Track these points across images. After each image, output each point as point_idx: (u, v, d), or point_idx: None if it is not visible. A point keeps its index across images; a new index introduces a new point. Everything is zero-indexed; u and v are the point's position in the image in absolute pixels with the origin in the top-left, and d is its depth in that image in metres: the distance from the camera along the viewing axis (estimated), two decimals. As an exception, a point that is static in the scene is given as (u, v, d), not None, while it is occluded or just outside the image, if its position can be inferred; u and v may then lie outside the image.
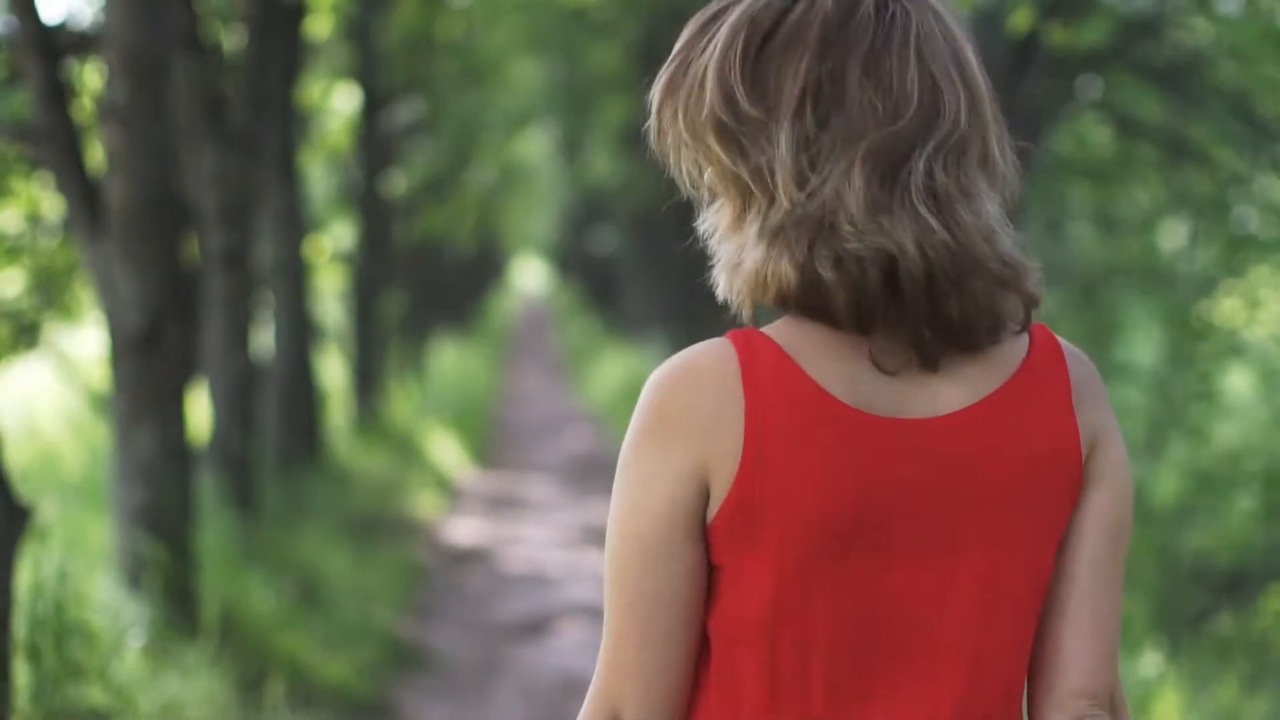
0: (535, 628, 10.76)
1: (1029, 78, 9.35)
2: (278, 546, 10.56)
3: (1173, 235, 12.57)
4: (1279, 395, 10.53)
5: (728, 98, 2.13)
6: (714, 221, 2.21)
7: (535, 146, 38.21)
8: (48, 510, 7.40)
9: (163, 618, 7.62)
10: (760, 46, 2.13)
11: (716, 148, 2.14)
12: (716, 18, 2.18)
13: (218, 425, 10.69)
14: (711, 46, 2.16)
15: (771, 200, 2.09)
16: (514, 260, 74.03)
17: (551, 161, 41.08)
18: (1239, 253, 10.32)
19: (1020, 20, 8.51)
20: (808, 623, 2.11)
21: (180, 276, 8.07)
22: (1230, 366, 10.84)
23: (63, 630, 6.23)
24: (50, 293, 11.69)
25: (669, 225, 25.26)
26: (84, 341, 14.23)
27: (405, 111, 20.46)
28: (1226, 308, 10.90)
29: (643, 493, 2.12)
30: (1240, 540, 9.89)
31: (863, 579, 2.11)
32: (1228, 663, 7.84)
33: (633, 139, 27.12)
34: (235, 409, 10.63)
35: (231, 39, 11.40)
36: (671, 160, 2.22)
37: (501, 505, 16.03)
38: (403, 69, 20.51)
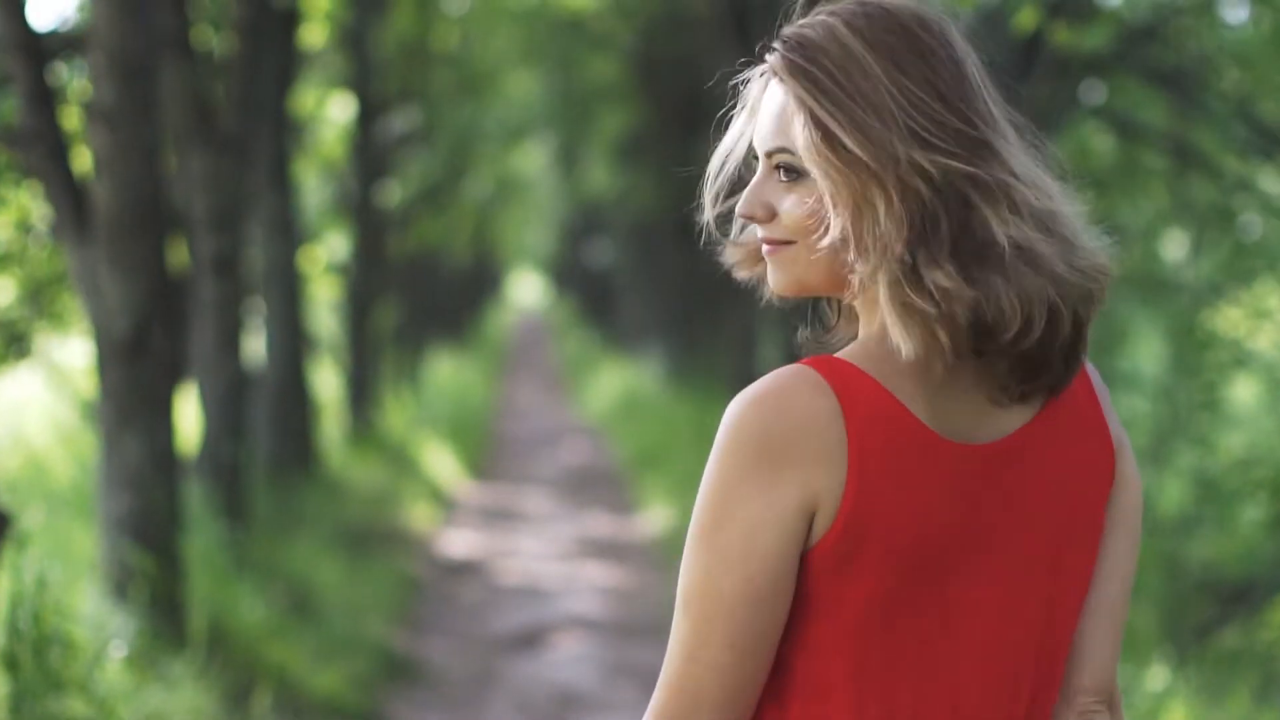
0: (530, 641, 10.62)
1: (1032, 82, 9.21)
2: (268, 557, 10.42)
3: (1175, 244, 12.44)
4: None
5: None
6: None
7: (532, 158, 38.10)
8: (33, 519, 7.27)
9: (149, 628, 7.48)
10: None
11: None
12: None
13: (208, 433, 10.54)
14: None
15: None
16: (511, 273, 74.03)
17: (548, 173, 40.98)
18: (1245, 261, 10.19)
19: (1025, 20, 8.38)
20: (895, 645, 2.17)
21: (168, 282, 7.92)
22: (1235, 376, 10.70)
23: (42, 640, 6.08)
24: (41, 302, 11.55)
25: (667, 238, 25.18)
26: (74, 350, 14.09)
27: (400, 121, 20.34)
28: (1231, 317, 10.77)
29: (752, 535, 2.13)
30: (1247, 550, 9.76)
31: (944, 599, 2.17)
32: (1237, 675, 7.70)
33: (630, 151, 27.06)
34: (226, 417, 10.48)
35: (223, 43, 11.27)
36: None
37: (497, 517, 15.89)
38: (398, 78, 20.41)
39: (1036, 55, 9.39)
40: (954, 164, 2.12)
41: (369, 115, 18.32)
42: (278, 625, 9.05)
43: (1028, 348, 2.11)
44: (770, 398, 2.14)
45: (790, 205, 2.22)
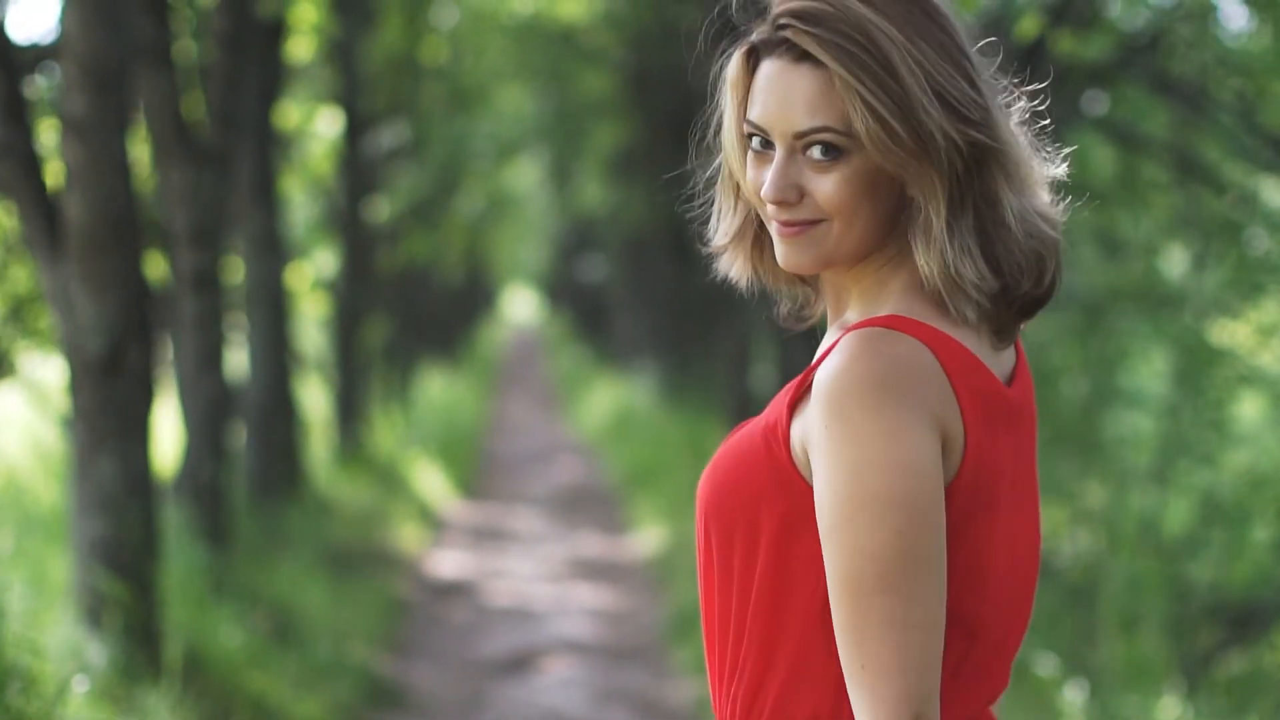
0: (520, 665, 10.40)
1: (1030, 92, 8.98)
2: (250, 580, 10.19)
3: (1178, 259, 12.24)
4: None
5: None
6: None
7: (525, 174, 37.98)
8: (3, 543, 7.05)
9: (122, 657, 7.24)
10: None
11: None
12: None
13: (189, 453, 10.30)
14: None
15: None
16: (504, 289, 74.02)
17: (541, 189, 40.86)
18: (1250, 276, 9.99)
19: (1027, 27, 8.18)
20: (976, 594, 2.25)
21: (143, 298, 7.68)
22: (1241, 393, 10.48)
23: (2, 675, 5.84)
24: (24, 319, 11.35)
25: (660, 253, 25.01)
26: (56, 368, 13.88)
27: (389, 136, 20.16)
28: (1237, 334, 10.56)
29: (927, 476, 2.16)
30: (1255, 573, 9.57)
31: (995, 533, 2.27)
32: (1249, 702, 7.50)
33: (622, 166, 26.89)
34: (207, 436, 10.23)
35: (205, 55, 11.04)
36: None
37: (487, 537, 15.68)
38: (386, 93, 20.23)
39: (1037, 65, 9.18)
40: (979, 136, 2.22)
41: (357, 130, 18.15)
42: (258, 652, 8.82)
43: (1040, 290, 2.28)
44: (878, 352, 2.17)
45: (831, 185, 2.25)
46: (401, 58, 20.68)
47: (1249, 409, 12.14)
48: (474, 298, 45.50)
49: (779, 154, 2.28)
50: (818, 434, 2.19)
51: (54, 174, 7.73)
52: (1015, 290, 2.25)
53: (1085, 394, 11.51)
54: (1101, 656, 7.82)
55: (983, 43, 2.37)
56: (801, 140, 2.26)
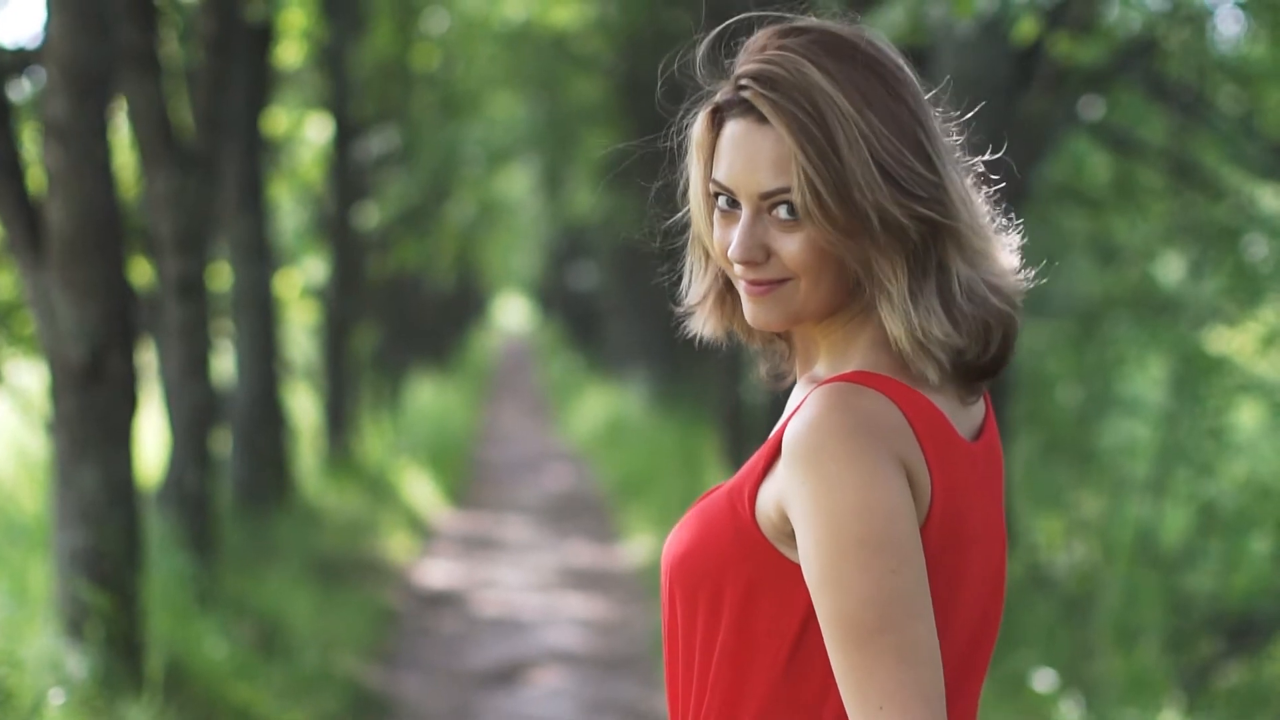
0: (509, 676, 10.28)
1: (1029, 96, 8.91)
2: (236, 590, 10.08)
3: (1174, 265, 12.14)
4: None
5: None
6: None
7: (517, 182, 37.88)
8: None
9: (104, 669, 7.12)
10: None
11: None
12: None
13: (173, 462, 10.19)
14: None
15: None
16: (496, 297, 73.96)
17: (533, 196, 40.77)
18: (1249, 283, 9.90)
19: (1025, 30, 8.08)
20: (941, 636, 2.26)
21: (126, 304, 7.56)
22: (1239, 402, 10.38)
23: (-25, 688, 5.73)
24: (9, 326, 11.26)
25: (651, 261, 24.83)
26: (41, 375, 13.77)
27: (379, 142, 20.06)
28: (1236, 342, 10.46)
29: (908, 519, 2.19)
30: (1254, 584, 9.47)
31: (965, 596, 2.31)
32: (1248, 715, 7.40)
33: (615, 173, 26.78)
34: (192, 445, 10.11)
35: (191, 59, 10.93)
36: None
37: (477, 546, 15.56)
38: (376, 99, 20.12)
39: (1034, 69, 9.10)
40: (926, 212, 2.24)
41: (347, 136, 18.04)
42: (243, 663, 8.70)
43: (985, 360, 2.31)
44: (846, 405, 2.21)
45: (797, 245, 2.27)
46: (392, 63, 20.59)
47: (1245, 417, 12.04)
48: (465, 305, 45.40)
49: (745, 214, 2.31)
50: (795, 490, 2.21)
51: (36, 179, 7.62)
52: (964, 356, 2.29)
53: (1080, 402, 11.43)
54: (1099, 669, 7.72)
55: (952, 112, 2.40)
56: (767, 200, 2.29)
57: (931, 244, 2.26)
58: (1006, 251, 2.37)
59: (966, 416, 2.35)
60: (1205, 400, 9.90)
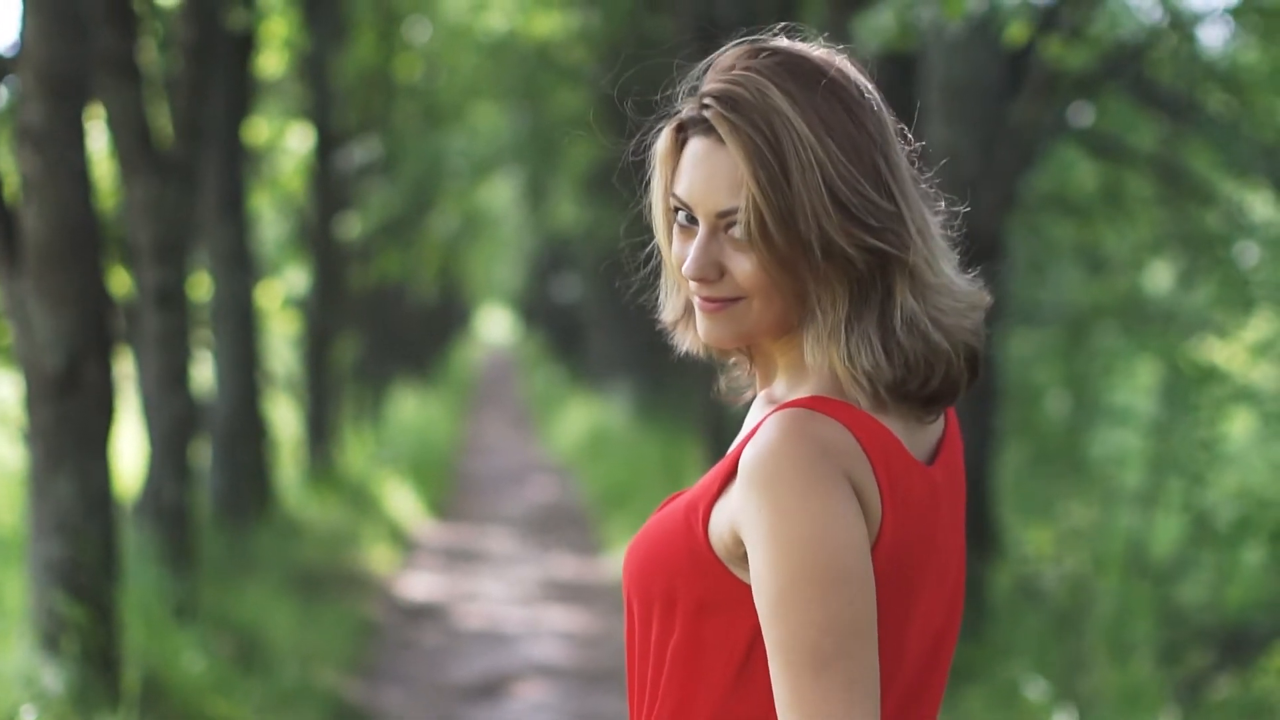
0: (491, 689, 10.18)
1: (1019, 103, 8.81)
2: (215, 604, 9.96)
3: (1163, 274, 12.06)
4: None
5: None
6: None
7: (499, 193, 37.81)
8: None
9: (79, 684, 7.00)
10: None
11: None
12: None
13: (151, 473, 10.06)
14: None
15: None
16: (479, 309, 73.92)
17: (515, 208, 40.69)
18: (1238, 291, 9.80)
19: (1016, 33, 7.99)
20: (893, 659, 2.28)
21: (103, 313, 7.45)
22: (1232, 412, 10.27)
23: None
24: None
25: (634, 273, 24.71)
26: (18, 385, 13.67)
27: (361, 152, 19.96)
28: (1227, 351, 10.36)
29: (860, 550, 2.20)
30: (1247, 596, 9.38)
31: (918, 618, 2.32)
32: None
33: (598, 184, 26.72)
34: (171, 456, 9.97)
35: (171, 65, 10.82)
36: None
37: (459, 559, 15.46)
38: (358, 108, 20.03)
39: (1024, 74, 9.01)
40: (878, 244, 2.24)
41: (328, 146, 17.95)
42: (222, 677, 8.59)
43: (926, 392, 2.30)
44: (802, 433, 2.21)
45: (750, 264, 2.29)
46: (374, 73, 20.51)
47: (1238, 428, 11.95)
48: (448, 317, 45.33)
49: (701, 231, 2.33)
50: (750, 516, 2.22)
51: (12, 186, 7.50)
52: (904, 387, 2.28)
53: (1069, 412, 11.34)
54: (1093, 682, 7.64)
55: (911, 147, 2.39)
56: (723, 219, 2.30)
57: (879, 275, 2.27)
58: (962, 283, 2.37)
59: (923, 437, 2.37)
60: (1197, 410, 9.80)
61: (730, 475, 2.31)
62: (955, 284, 2.34)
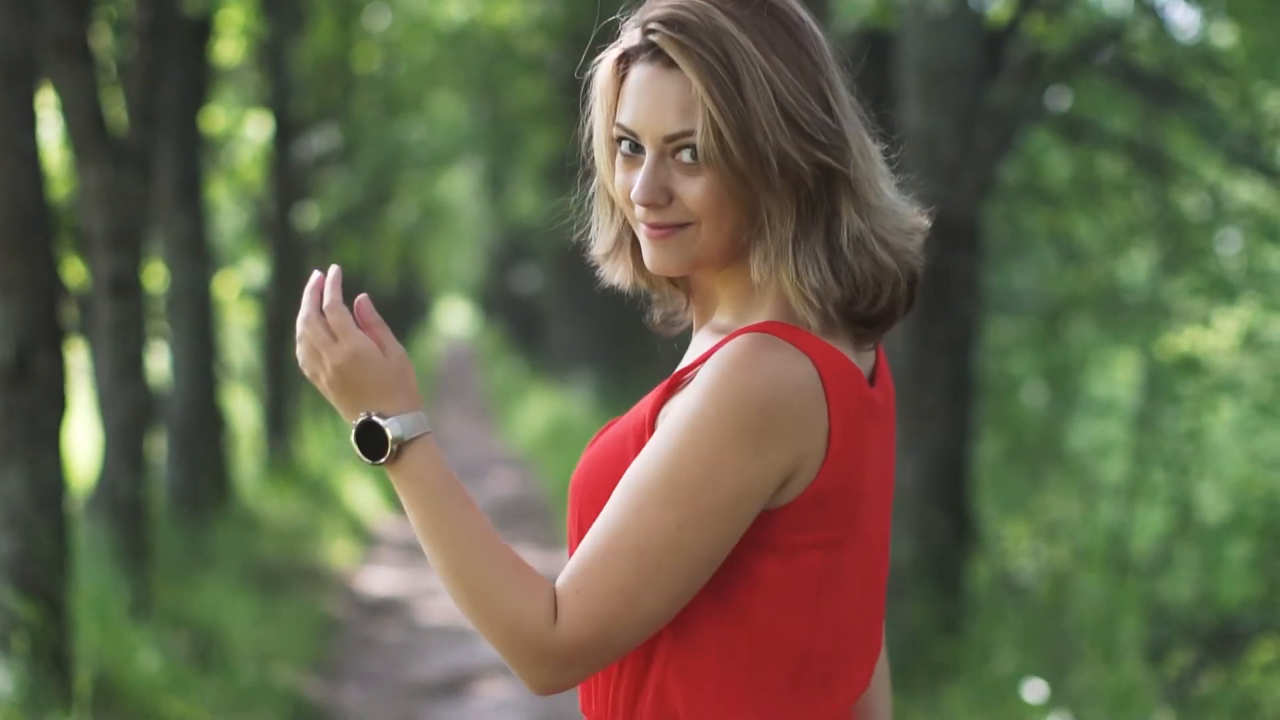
0: (454, 687, 10.01)
1: (998, 84, 8.64)
2: (171, 600, 9.77)
3: (1140, 263, 11.92)
4: (1270, 433, 9.81)
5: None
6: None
7: (459, 184, 37.67)
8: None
9: (30, 684, 6.80)
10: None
11: None
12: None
13: (106, 466, 9.84)
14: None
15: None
16: (439, 301, 73.84)
17: (475, 199, 40.57)
18: (1224, 279, 9.65)
19: (1000, 11, 7.84)
20: (842, 586, 2.35)
21: (54, 301, 7.24)
22: (1216, 403, 10.10)
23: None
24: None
25: (594, 264, 24.62)
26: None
27: (320, 141, 19.76)
28: (1212, 341, 10.20)
29: (739, 500, 2.24)
30: (1230, 591, 9.24)
31: (863, 538, 2.38)
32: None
33: (558, 174, 26.57)
34: (126, 449, 9.76)
35: (125, 50, 10.60)
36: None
37: (421, 553, 15.23)
38: (317, 97, 19.83)
39: (1003, 56, 8.84)
40: (826, 159, 2.28)
41: (287, 135, 17.76)
42: (177, 676, 8.40)
43: (874, 311, 2.35)
44: (761, 366, 2.24)
45: (699, 188, 2.30)
46: (333, 62, 20.32)
47: (1218, 419, 11.81)
48: (408, 309, 45.18)
49: (649, 157, 2.34)
50: (680, 405, 2.28)
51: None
52: (852, 307, 2.32)
53: (1046, 404, 11.21)
54: (1082, 681, 7.49)
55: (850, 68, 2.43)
56: (671, 144, 2.32)
57: (825, 191, 2.30)
58: (904, 207, 2.40)
59: (861, 361, 2.40)
60: (1180, 401, 9.65)
61: (671, 389, 2.37)
62: (898, 206, 2.38)
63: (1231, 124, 9.26)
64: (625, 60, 2.38)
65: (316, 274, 2.43)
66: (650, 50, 2.33)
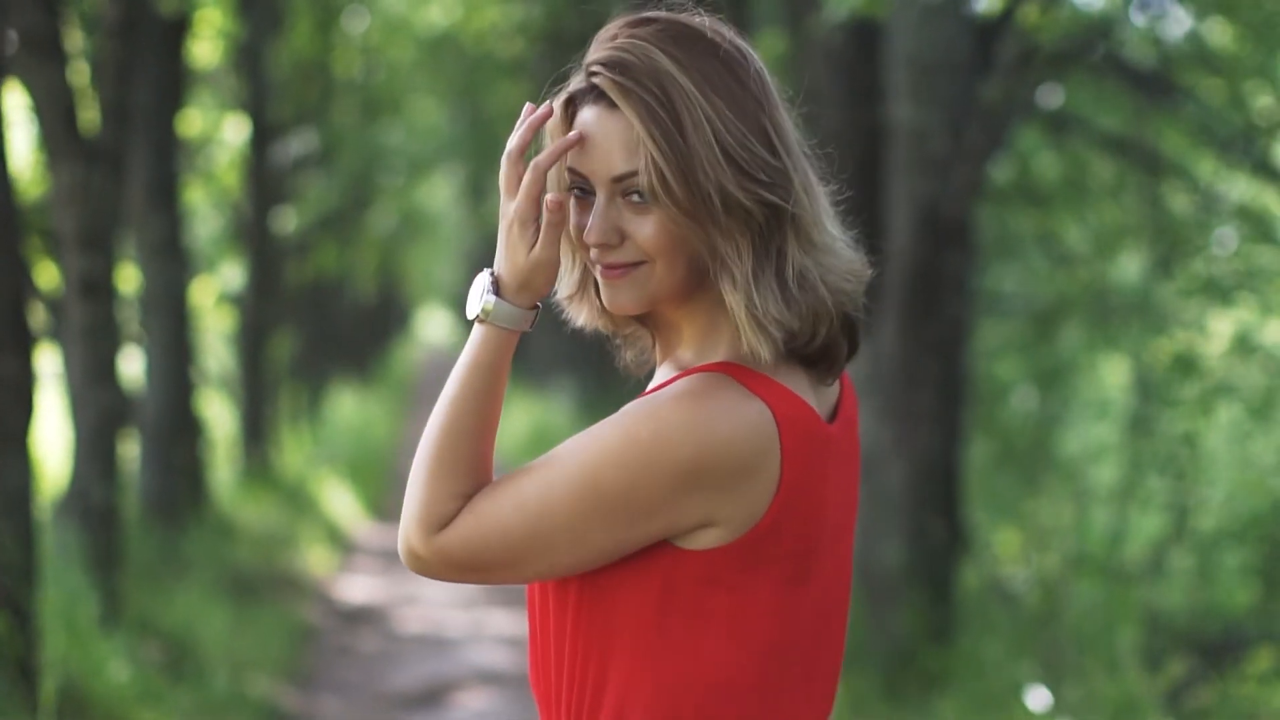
0: (432, 697, 9.89)
1: (989, 81, 8.49)
2: (143, 609, 9.62)
3: (1131, 264, 11.79)
4: (1262, 437, 9.67)
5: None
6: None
7: (439, 192, 37.57)
8: None
9: (-4, 695, 6.62)
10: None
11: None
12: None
13: (77, 471, 9.64)
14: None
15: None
16: (419, 309, 73.84)
17: (456, 206, 40.48)
18: (1220, 279, 9.52)
19: (992, 3, 7.69)
20: (794, 626, 2.39)
21: (20, 302, 7.05)
22: (1213, 407, 9.95)
23: None
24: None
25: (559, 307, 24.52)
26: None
27: (298, 145, 19.60)
28: (1207, 343, 10.06)
29: (650, 518, 2.30)
30: (1227, 598, 9.11)
31: (817, 581, 2.42)
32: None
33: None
34: (98, 453, 9.56)
35: (98, 47, 10.42)
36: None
37: (398, 561, 15.10)
38: (295, 100, 19.68)
39: (995, 51, 8.68)
40: (770, 196, 2.32)
41: (265, 138, 17.60)
42: (149, 686, 8.24)
43: (815, 349, 2.39)
44: (717, 413, 2.29)
45: (650, 227, 2.34)
46: (311, 65, 20.18)
47: (1212, 423, 11.68)
48: (387, 316, 45.12)
49: (599, 198, 2.37)
50: (628, 411, 2.33)
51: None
52: (794, 341, 2.36)
53: (1035, 409, 11.09)
54: (1079, 691, 7.35)
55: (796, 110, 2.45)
56: (619, 184, 2.35)
57: (774, 228, 2.33)
58: (845, 247, 2.44)
59: (823, 398, 2.46)
60: (1176, 405, 9.51)
61: None
62: (840, 247, 2.42)
63: (1226, 120, 9.12)
64: (573, 103, 2.42)
65: (528, 105, 2.45)
66: (594, 92, 2.37)
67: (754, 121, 2.33)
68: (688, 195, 2.29)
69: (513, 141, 2.42)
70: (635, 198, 2.35)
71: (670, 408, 2.29)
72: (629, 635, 2.38)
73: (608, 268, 2.39)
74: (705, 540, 2.32)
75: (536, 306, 2.46)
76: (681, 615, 2.35)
